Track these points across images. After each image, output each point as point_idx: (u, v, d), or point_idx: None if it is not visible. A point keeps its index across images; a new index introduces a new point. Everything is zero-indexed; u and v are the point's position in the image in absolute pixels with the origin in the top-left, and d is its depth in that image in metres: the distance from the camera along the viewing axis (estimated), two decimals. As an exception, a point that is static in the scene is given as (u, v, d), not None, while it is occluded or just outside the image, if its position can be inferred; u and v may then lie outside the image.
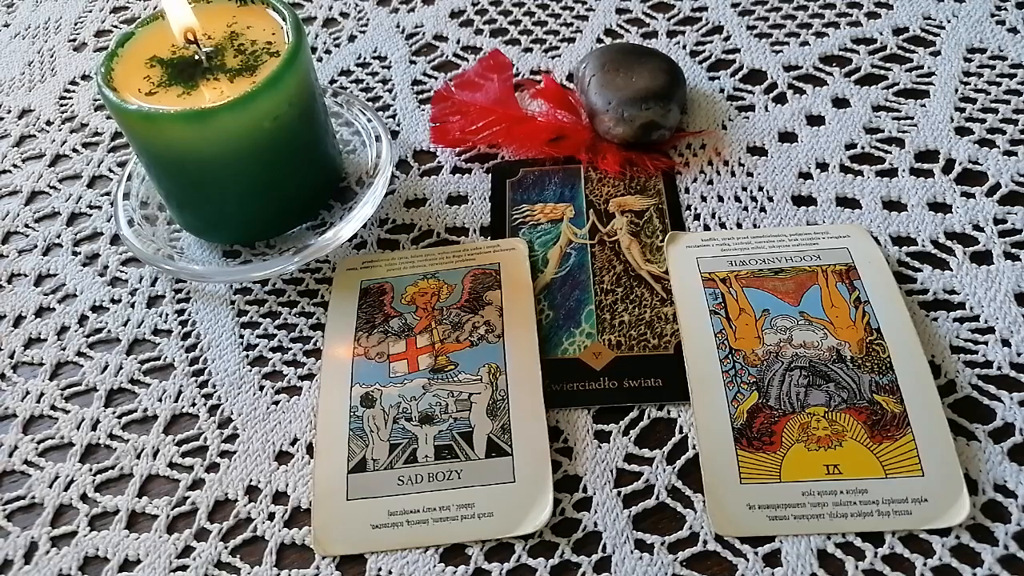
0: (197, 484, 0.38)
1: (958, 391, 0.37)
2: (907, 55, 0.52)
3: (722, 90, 0.51)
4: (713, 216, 0.45)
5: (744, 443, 0.36)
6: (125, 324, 0.44)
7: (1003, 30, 0.52)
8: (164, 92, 0.40)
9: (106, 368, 0.42)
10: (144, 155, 0.43)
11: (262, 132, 0.40)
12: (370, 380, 0.39)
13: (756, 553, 0.33)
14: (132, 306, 0.45)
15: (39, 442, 0.40)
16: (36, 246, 0.48)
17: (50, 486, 0.38)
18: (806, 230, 0.43)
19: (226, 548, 0.35)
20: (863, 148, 0.47)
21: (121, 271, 0.46)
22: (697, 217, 0.45)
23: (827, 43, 0.53)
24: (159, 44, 0.42)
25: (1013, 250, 0.42)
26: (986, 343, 0.39)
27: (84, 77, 0.59)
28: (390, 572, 0.34)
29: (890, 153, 0.47)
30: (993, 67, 0.50)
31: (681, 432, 0.37)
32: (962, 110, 0.48)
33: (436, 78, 0.55)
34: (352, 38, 0.59)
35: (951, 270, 0.41)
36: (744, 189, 0.46)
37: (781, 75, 0.52)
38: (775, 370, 0.38)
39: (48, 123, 0.55)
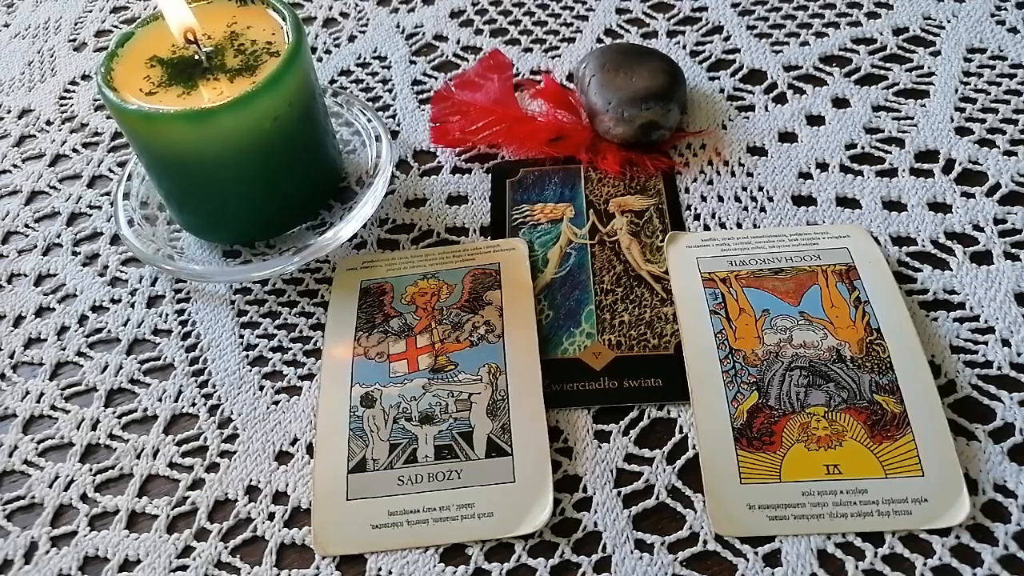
0: (197, 484, 0.38)
1: (958, 391, 0.37)
2: (907, 55, 0.52)
3: (722, 90, 0.51)
4: (713, 216, 0.45)
5: (744, 443, 0.36)
6: (125, 324, 0.44)
7: (1003, 30, 0.52)
8: (164, 92, 0.40)
9: (106, 368, 0.42)
10: (144, 155, 0.43)
11: (262, 132, 0.40)
12: (370, 380, 0.39)
13: (756, 553, 0.33)
14: (132, 306, 0.45)
15: (39, 442, 0.40)
16: (36, 246, 0.48)
17: (50, 486, 0.38)
18: (806, 230, 0.43)
19: (226, 548, 0.35)
20: (863, 148, 0.47)
21: (121, 271, 0.46)
22: (697, 217, 0.45)
23: (827, 43, 0.53)
24: (159, 44, 0.42)
25: (1013, 250, 0.42)
26: (986, 343, 0.39)
27: (84, 77, 0.59)
28: (390, 572, 0.34)
29: (890, 153, 0.47)
30: (993, 67, 0.50)
31: (681, 432, 0.37)
32: (962, 110, 0.48)
33: (436, 78, 0.55)
34: (352, 38, 0.59)
35: (951, 270, 0.41)
36: (744, 189, 0.46)
37: (781, 75, 0.52)
38: (775, 370, 0.38)
39: (48, 123, 0.55)
